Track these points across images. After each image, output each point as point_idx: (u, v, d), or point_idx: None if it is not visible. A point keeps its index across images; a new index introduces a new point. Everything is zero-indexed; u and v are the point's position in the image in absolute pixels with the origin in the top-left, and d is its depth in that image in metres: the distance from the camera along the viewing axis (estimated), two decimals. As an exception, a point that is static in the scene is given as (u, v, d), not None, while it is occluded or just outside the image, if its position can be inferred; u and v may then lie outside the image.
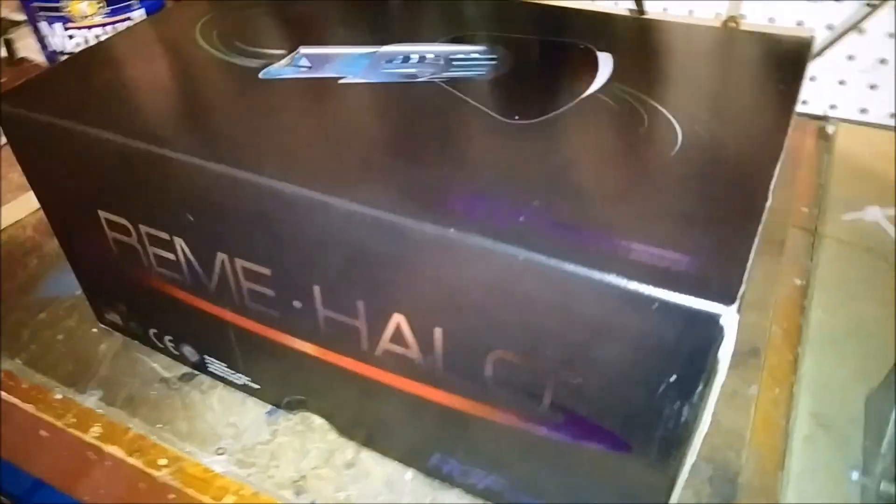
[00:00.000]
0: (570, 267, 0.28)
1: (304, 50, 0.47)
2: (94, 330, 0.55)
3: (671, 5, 0.77)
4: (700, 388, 0.29)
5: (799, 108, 0.73)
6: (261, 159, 0.36)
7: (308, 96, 0.42)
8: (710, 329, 0.27)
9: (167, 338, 0.50)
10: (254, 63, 0.45)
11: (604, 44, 0.45)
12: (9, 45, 1.01)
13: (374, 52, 0.46)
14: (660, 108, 0.38)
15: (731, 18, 0.73)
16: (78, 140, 0.41)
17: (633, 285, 0.27)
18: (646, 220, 0.30)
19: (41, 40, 0.79)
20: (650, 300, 0.27)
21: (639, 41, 0.47)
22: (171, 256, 0.43)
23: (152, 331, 0.51)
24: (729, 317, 0.26)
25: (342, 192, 0.33)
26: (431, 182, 0.34)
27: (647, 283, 0.27)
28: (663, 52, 0.45)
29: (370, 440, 0.45)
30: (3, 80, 0.97)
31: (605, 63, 0.43)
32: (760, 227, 0.29)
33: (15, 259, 0.64)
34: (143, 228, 0.43)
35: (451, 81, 0.42)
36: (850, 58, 0.71)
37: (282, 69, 0.45)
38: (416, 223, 0.31)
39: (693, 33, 0.47)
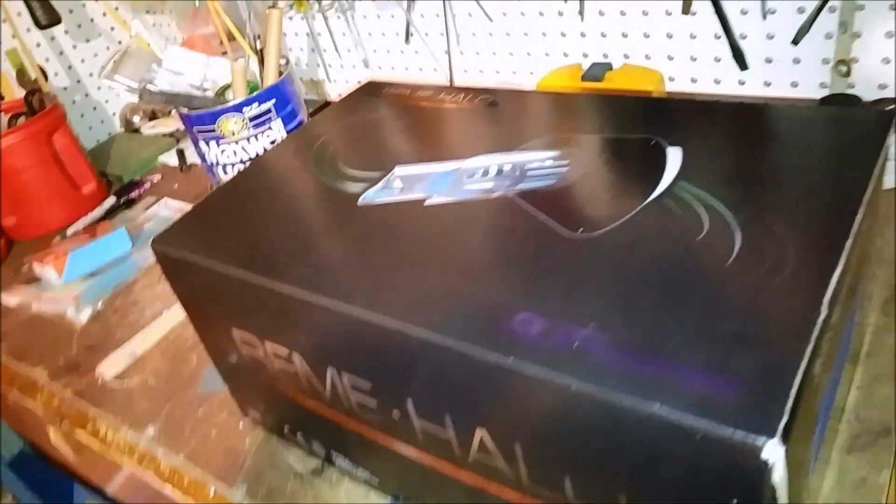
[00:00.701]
0: (616, 397, 0.30)
1: (398, 171, 0.51)
2: (241, 424, 0.62)
3: (777, 53, 0.75)
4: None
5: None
6: (352, 290, 0.41)
7: (397, 221, 0.46)
8: (755, 461, 0.27)
9: (299, 433, 0.56)
10: (355, 188, 0.51)
11: (677, 135, 0.46)
12: (180, 154, 1.17)
13: (458, 168, 0.50)
14: (721, 209, 0.38)
15: (842, 62, 0.70)
16: (209, 272, 0.48)
17: (677, 416, 0.28)
18: (695, 341, 0.31)
19: (201, 155, 0.92)
20: (694, 431, 0.28)
21: (713, 129, 0.47)
22: (291, 368, 0.49)
23: (286, 427, 0.57)
24: (773, 449, 0.27)
25: (418, 321, 0.37)
26: (497, 305, 0.37)
27: (691, 413, 0.28)
28: (734, 141, 0.45)
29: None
30: (176, 187, 1.12)
31: (674, 159, 0.44)
32: (811, 348, 0.29)
33: (180, 355, 0.74)
34: (268, 344, 0.49)
35: (524, 193, 0.45)
36: None
37: (378, 193, 0.50)
38: (480, 351, 0.34)
39: (770, 115, 0.46)
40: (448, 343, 0.36)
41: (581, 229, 0.40)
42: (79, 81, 1.28)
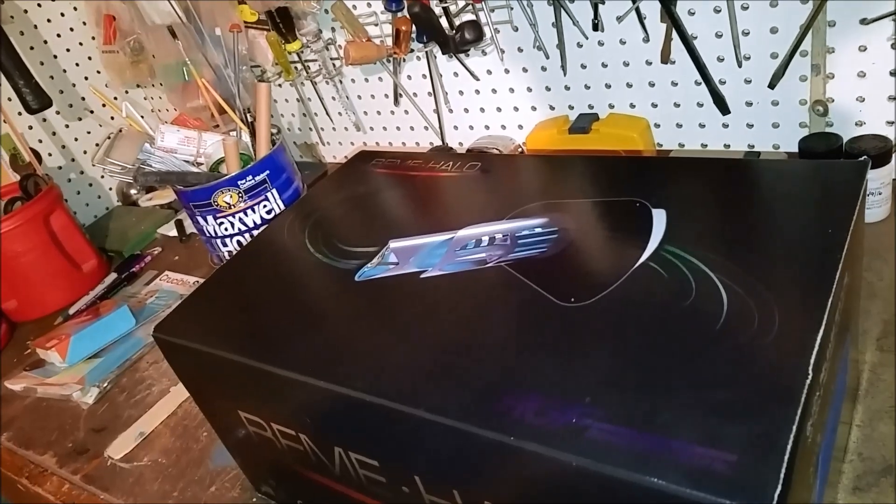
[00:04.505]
0: (615, 472, 0.31)
1: (392, 244, 0.53)
2: (255, 500, 0.62)
3: (756, 96, 0.77)
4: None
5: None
6: (353, 373, 0.42)
7: (394, 297, 0.47)
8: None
9: (312, 508, 0.56)
10: (351, 264, 0.52)
11: (661, 196, 0.47)
12: (179, 225, 1.19)
13: (451, 238, 0.51)
14: (708, 271, 0.39)
15: (818, 102, 0.72)
16: (211, 358, 0.49)
17: (675, 489, 0.29)
18: (688, 413, 0.32)
19: (199, 229, 0.93)
20: (691, 503, 0.29)
21: (695, 187, 0.48)
22: (299, 447, 0.49)
23: (299, 501, 0.57)
24: (767, 518, 0.27)
25: (418, 403, 0.38)
26: (495, 383, 0.37)
27: (687, 486, 0.29)
28: (715, 200, 0.46)
29: None
30: (176, 258, 1.14)
31: (659, 221, 0.45)
32: (800, 413, 0.30)
33: (189, 432, 0.74)
34: (275, 426, 0.49)
35: (516, 263, 0.46)
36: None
37: (374, 268, 0.51)
38: (481, 431, 0.35)
39: (749, 171, 0.48)
40: (450, 423, 0.36)
41: (572, 299, 0.41)
42: (73, 160, 1.31)
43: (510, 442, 0.34)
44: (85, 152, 1.32)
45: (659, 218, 0.45)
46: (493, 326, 0.42)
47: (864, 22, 0.66)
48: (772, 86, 0.73)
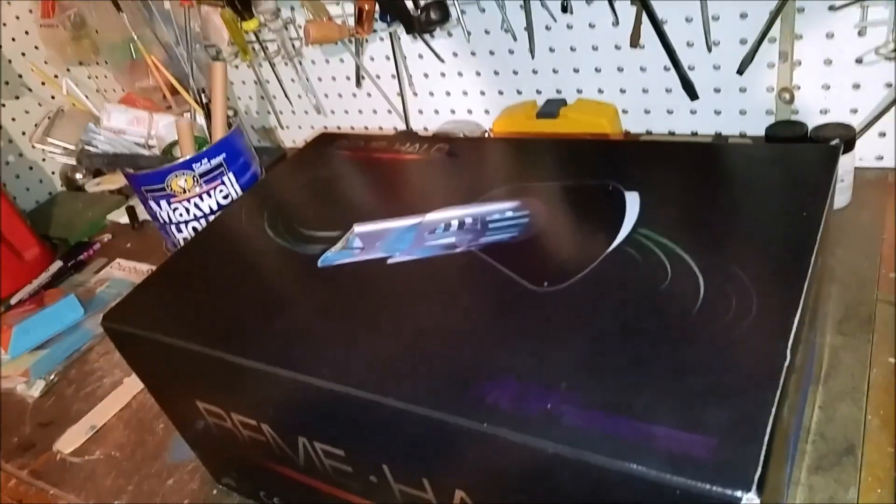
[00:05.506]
0: (593, 458, 0.30)
1: (357, 229, 0.51)
2: (215, 492, 0.60)
3: (724, 82, 0.77)
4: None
5: (877, 163, 0.71)
6: (318, 361, 0.40)
7: (360, 283, 0.45)
8: (735, 513, 0.27)
9: (276, 499, 0.54)
10: (314, 249, 0.50)
11: (633, 179, 0.46)
12: (131, 212, 1.14)
13: (419, 223, 0.49)
14: (683, 255, 0.39)
15: (785, 89, 0.72)
16: (167, 347, 0.47)
17: (655, 475, 0.28)
18: (667, 397, 0.31)
19: (152, 214, 0.89)
20: (673, 488, 0.28)
21: (668, 171, 0.47)
22: (261, 438, 0.47)
23: (262, 493, 0.56)
24: (750, 500, 0.27)
25: (388, 391, 0.36)
26: (467, 369, 0.36)
27: (667, 472, 0.28)
28: (688, 183, 0.46)
29: None
30: (128, 245, 1.10)
31: (633, 204, 0.44)
32: (779, 395, 0.29)
33: (145, 424, 0.71)
34: (235, 416, 0.47)
35: (487, 247, 0.45)
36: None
37: (338, 254, 0.49)
38: (454, 418, 0.34)
39: (721, 154, 0.47)
40: (421, 411, 0.35)
41: (546, 283, 0.40)
42: (11, 141, 1.25)
43: (484, 429, 0.33)
44: (23, 133, 1.25)
45: (632, 201, 0.45)
46: (465, 312, 0.40)
47: (832, 9, 0.66)
48: (740, 72, 0.73)
